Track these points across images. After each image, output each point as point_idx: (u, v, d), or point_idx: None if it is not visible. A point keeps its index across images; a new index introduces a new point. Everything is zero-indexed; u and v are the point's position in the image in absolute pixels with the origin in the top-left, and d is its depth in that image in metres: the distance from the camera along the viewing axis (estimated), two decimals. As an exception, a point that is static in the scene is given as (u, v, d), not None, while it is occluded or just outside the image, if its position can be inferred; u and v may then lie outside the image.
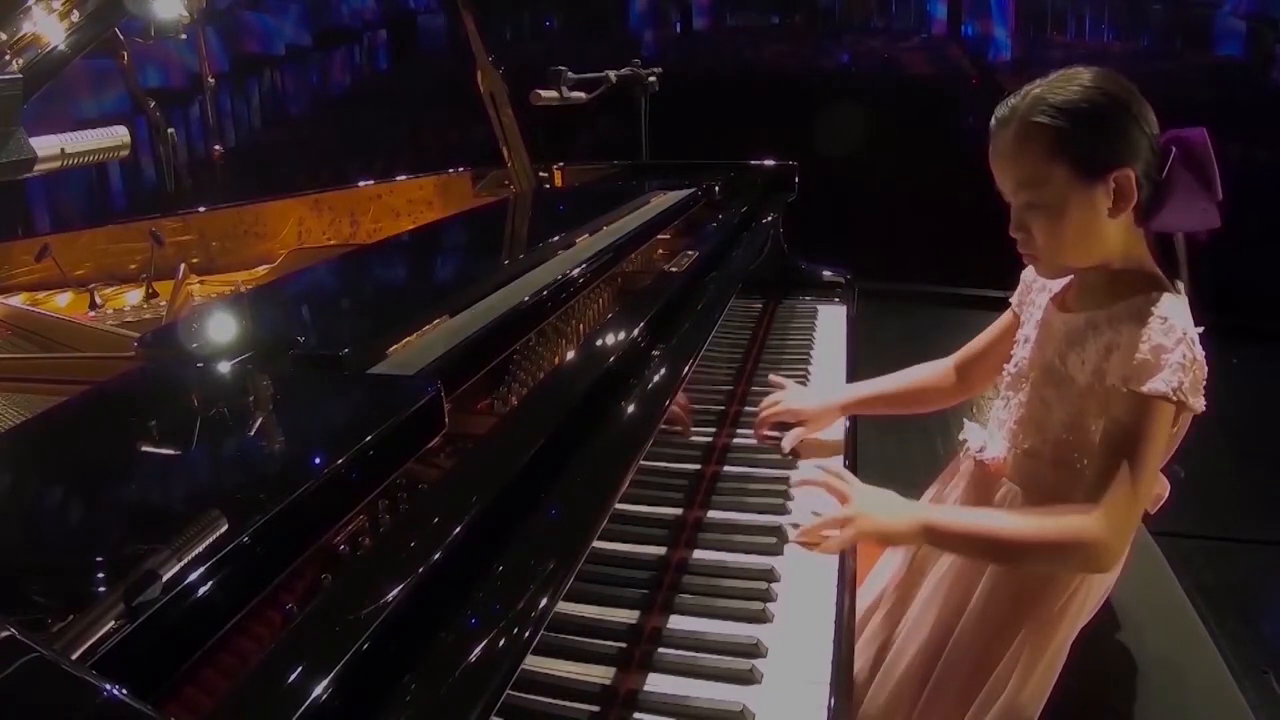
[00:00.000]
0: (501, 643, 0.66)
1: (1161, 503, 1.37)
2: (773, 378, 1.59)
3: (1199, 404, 1.11)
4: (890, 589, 1.41)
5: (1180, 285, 1.18)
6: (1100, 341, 1.15)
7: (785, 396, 1.52)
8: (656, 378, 1.14)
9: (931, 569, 1.36)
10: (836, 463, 1.40)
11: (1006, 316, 1.42)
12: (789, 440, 1.46)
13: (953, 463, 1.46)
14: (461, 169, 2.59)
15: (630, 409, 1.05)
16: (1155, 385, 1.08)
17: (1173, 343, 1.09)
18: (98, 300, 1.96)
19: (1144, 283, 1.17)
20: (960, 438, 1.40)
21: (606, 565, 0.97)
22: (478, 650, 0.65)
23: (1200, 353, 1.11)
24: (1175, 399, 1.07)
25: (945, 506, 1.36)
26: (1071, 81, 1.13)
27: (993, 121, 1.18)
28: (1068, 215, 1.13)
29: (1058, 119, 1.11)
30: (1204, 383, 1.12)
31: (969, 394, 1.50)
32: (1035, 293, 1.34)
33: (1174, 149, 1.12)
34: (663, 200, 1.96)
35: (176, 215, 2.33)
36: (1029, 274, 1.36)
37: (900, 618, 1.36)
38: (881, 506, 1.18)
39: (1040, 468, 1.24)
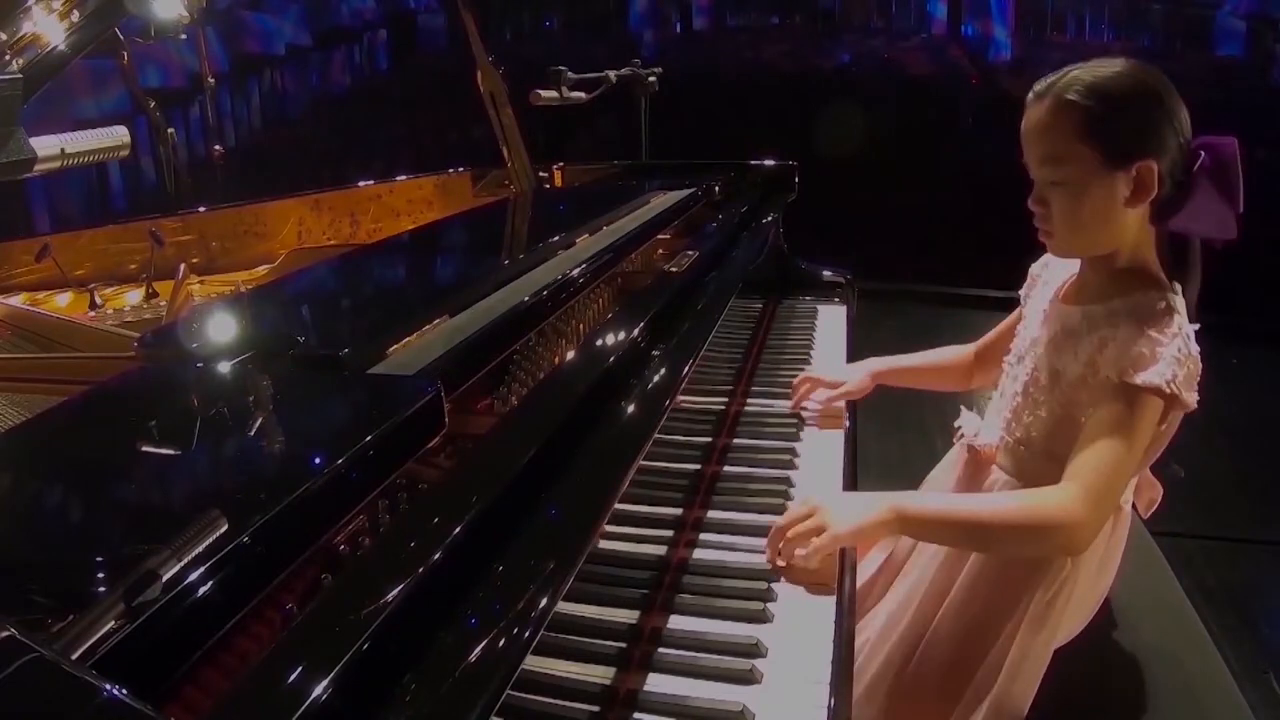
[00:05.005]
0: (501, 643, 0.66)
1: (1155, 506, 1.37)
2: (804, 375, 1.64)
3: (1192, 399, 1.12)
4: (873, 582, 1.42)
5: (1178, 286, 1.19)
6: (1095, 335, 1.16)
7: (816, 371, 1.59)
8: (656, 378, 1.14)
9: (910, 563, 1.37)
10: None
11: (1018, 310, 1.44)
12: (824, 395, 1.55)
13: (948, 455, 1.47)
14: (461, 169, 2.59)
15: (630, 409, 1.05)
16: (1149, 377, 1.09)
17: (1168, 336, 1.10)
18: (98, 300, 1.96)
19: (1145, 282, 1.18)
20: (955, 425, 1.42)
21: (606, 565, 0.97)
22: (478, 650, 0.65)
23: (1195, 349, 1.12)
24: (1169, 391, 1.08)
25: (918, 493, 1.36)
26: (1110, 66, 1.14)
27: (1030, 94, 1.19)
28: (1087, 197, 1.14)
29: (1090, 100, 1.12)
30: (1198, 379, 1.12)
31: (984, 378, 1.54)
32: (1040, 286, 1.36)
33: (1202, 153, 1.13)
34: (663, 200, 1.96)
35: (176, 215, 2.33)
36: (1036, 268, 1.39)
37: (879, 609, 1.37)
38: (849, 505, 1.16)
39: (1031, 458, 1.25)
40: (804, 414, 1.56)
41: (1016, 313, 1.44)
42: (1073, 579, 1.21)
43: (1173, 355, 1.09)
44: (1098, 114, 1.11)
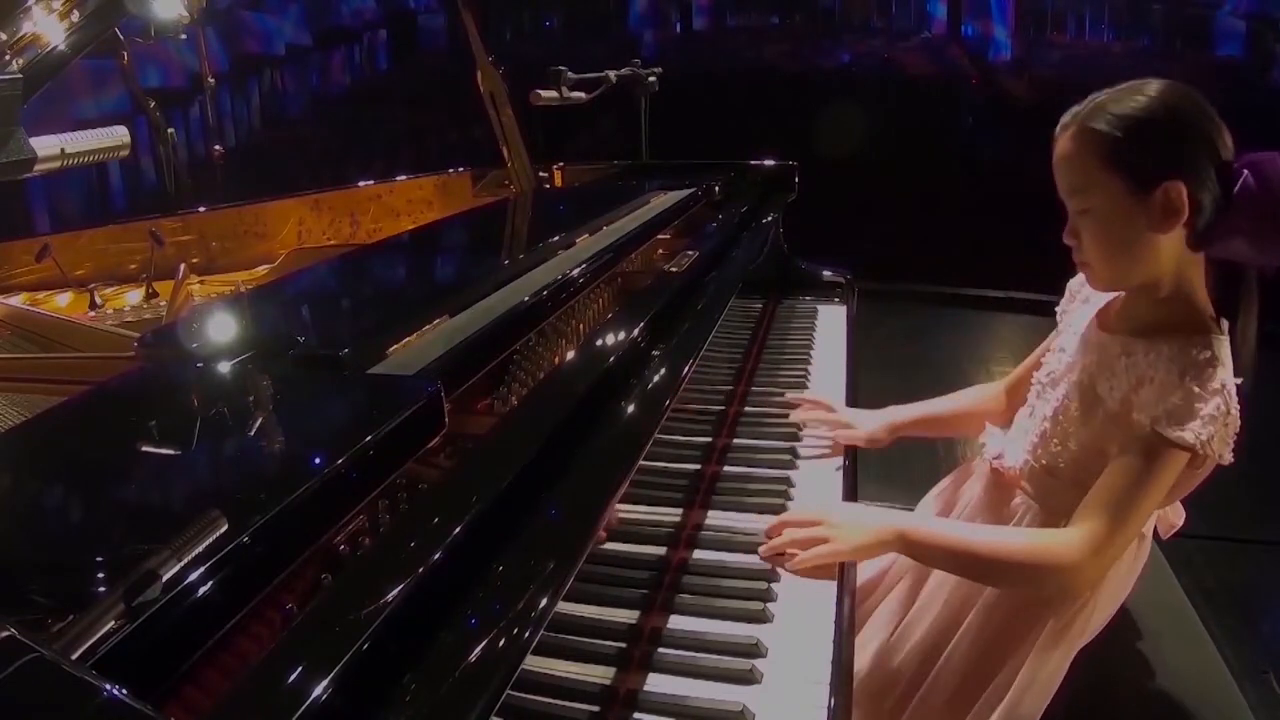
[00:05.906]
0: (501, 643, 0.66)
1: (1174, 530, 1.36)
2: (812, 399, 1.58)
3: (1227, 457, 1.09)
4: (892, 587, 1.41)
5: (1225, 325, 1.14)
6: (1134, 372, 1.12)
7: (839, 409, 1.52)
8: (656, 378, 1.14)
9: (919, 573, 1.35)
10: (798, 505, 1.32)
11: (1049, 340, 1.39)
12: (832, 435, 1.48)
13: (966, 464, 1.45)
14: (461, 169, 2.59)
15: (630, 409, 1.05)
16: (1182, 435, 1.06)
17: (1209, 392, 1.07)
18: (98, 300, 1.96)
19: (1191, 320, 1.14)
20: (980, 440, 1.39)
21: (606, 565, 0.97)
22: (478, 650, 0.65)
23: (1235, 405, 1.09)
24: (1201, 452, 1.06)
25: (923, 516, 1.35)
26: (1136, 92, 1.11)
27: (1058, 126, 1.16)
28: (1115, 226, 1.12)
29: (1113, 127, 1.09)
30: (1234, 436, 1.10)
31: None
32: (1079, 303, 1.33)
33: (1245, 172, 1.08)
34: (663, 200, 1.96)
35: (176, 215, 2.33)
36: (1075, 283, 1.35)
37: (902, 617, 1.36)
38: (854, 519, 1.16)
39: (1058, 485, 1.22)
40: (801, 435, 1.50)
41: (1046, 343, 1.39)
42: (1091, 605, 1.20)
43: (1209, 413, 1.06)
44: (1120, 140, 1.08)
